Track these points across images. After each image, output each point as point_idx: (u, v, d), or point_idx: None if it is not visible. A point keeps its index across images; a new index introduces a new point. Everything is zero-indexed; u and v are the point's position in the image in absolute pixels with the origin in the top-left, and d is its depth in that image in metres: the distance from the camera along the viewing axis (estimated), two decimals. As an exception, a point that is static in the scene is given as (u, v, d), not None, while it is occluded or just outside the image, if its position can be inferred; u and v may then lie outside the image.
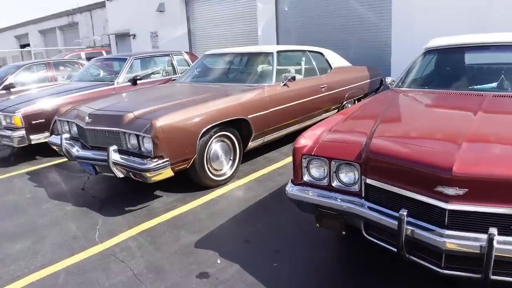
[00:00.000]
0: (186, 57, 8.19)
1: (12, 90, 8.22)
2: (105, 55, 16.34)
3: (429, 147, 2.31)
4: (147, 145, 3.76)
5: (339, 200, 2.53)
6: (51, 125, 6.05)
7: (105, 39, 22.48)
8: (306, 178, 2.72)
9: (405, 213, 2.17)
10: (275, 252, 3.11)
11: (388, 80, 4.36)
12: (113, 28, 15.56)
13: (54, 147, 4.97)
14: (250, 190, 4.42)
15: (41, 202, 4.44)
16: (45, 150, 6.49)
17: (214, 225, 3.63)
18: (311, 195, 2.64)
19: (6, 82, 8.32)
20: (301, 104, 5.61)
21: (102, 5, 22.81)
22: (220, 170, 4.54)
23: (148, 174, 3.65)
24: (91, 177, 5.14)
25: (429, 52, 4.27)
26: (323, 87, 6.13)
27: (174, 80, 7.55)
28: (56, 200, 4.47)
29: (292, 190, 2.78)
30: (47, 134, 6.04)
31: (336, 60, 6.93)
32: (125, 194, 4.51)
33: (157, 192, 4.47)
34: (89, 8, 24.30)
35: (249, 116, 4.65)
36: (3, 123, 5.96)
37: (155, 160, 3.70)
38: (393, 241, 2.31)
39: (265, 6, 10.57)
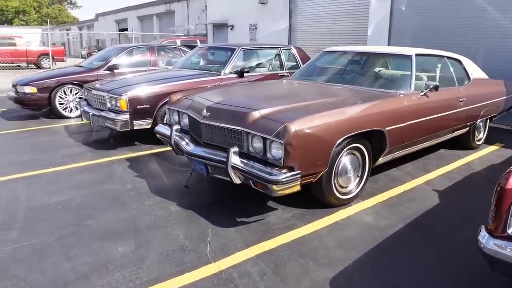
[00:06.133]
0: (295, 52, 7.57)
1: (115, 71, 8.15)
2: (199, 44, 16.33)
3: None
4: (276, 151, 3.17)
5: None
6: (155, 112, 5.73)
7: (199, 28, 22.69)
8: (513, 231, 1.95)
9: None
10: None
11: None
12: (211, 18, 15.40)
13: (160, 137, 4.58)
14: (381, 216, 3.69)
15: (143, 197, 4.04)
16: (144, 136, 6.23)
17: (348, 258, 2.95)
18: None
19: (110, 63, 8.26)
20: (438, 118, 4.76)
21: (199, -5, 23.09)
22: (346, 187, 3.85)
23: (275, 187, 3.05)
24: (194, 173, 4.70)
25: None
26: (462, 100, 5.20)
27: (283, 75, 6.98)
28: (159, 196, 4.05)
29: (489, 243, 2.03)
30: (150, 120, 5.73)
31: (474, 70, 5.94)
32: (234, 199, 3.98)
33: (271, 203, 3.88)
34: (186, -2, 24.72)
35: (387, 128, 3.91)
36: (108, 105, 5.73)
37: (285, 171, 3.09)
38: None
39: (380, 3, 9.66)
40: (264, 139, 3.23)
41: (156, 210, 3.70)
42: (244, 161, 3.31)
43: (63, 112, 8.05)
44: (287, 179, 3.05)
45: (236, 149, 3.33)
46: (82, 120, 6.46)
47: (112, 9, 34.70)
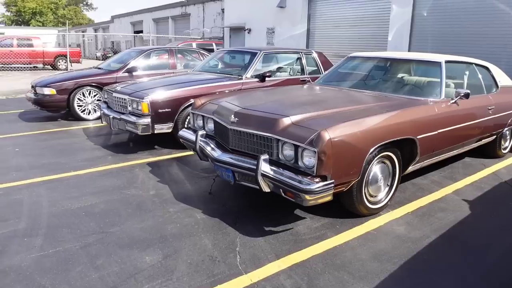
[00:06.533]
0: (316, 56, 7.47)
1: (134, 74, 8.13)
2: (215, 47, 16.31)
3: None
4: (309, 159, 3.08)
5: None
6: (176, 115, 5.67)
7: (215, 31, 22.71)
8: None
9: None
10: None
11: None
12: (228, 21, 15.38)
13: (184, 142, 4.51)
14: (412, 227, 3.57)
15: (167, 203, 3.97)
16: (163, 140, 6.18)
17: (383, 271, 2.84)
18: None
19: (129, 66, 8.24)
20: (468, 127, 4.63)
21: (215, -1, 23.13)
22: (376, 196, 3.75)
23: (307, 197, 2.96)
24: (217, 179, 4.63)
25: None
26: (491, 108, 5.07)
27: (304, 80, 6.90)
28: (183, 203, 3.98)
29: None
30: (171, 124, 5.67)
31: (502, 77, 5.79)
32: (260, 207, 3.90)
33: (298, 212, 3.79)
34: (202, 1, 24.79)
35: (418, 137, 3.80)
36: (129, 108, 5.69)
37: (317, 180, 3.00)
38: None
39: (401, 9, 9.54)
40: (296, 147, 3.14)
41: (181, 218, 3.63)
42: (275, 169, 3.22)
43: (82, 114, 8.05)
44: (320, 188, 2.95)
45: (266, 156, 3.25)
46: (102, 122, 6.42)
47: (127, 11, 34.95)
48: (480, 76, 5.28)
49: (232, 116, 3.63)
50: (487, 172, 5.27)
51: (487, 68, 5.51)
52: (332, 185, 3.02)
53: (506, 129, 5.75)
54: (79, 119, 8.01)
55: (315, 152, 2.97)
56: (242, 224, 3.52)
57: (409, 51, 9.64)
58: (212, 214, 3.72)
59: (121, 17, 36.59)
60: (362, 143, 3.22)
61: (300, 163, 3.14)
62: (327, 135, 2.97)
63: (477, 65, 5.34)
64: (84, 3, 62.05)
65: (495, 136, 5.57)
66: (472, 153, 5.68)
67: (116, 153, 5.74)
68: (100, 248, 3.09)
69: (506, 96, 5.53)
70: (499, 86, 5.55)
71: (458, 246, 3.28)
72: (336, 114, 3.46)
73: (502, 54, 8.07)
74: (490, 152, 5.84)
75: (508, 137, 6.10)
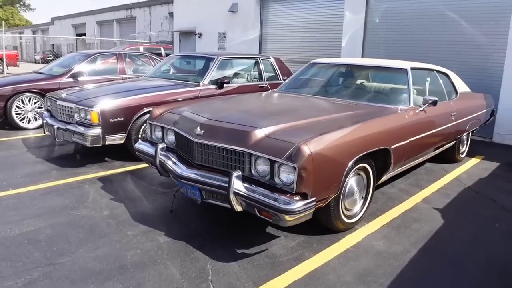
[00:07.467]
0: (273, 62, 7.26)
1: (79, 79, 7.55)
2: (163, 51, 15.75)
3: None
4: (287, 175, 2.81)
5: None
6: (129, 125, 5.23)
7: (162, 35, 22.08)
8: None
9: None
10: None
11: None
12: (178, 25, 14.88)
13: (141, 156, 4.11)
14: (391, 241, 3.41)
15: (124, 225, 3.55)
16: (114, 151, 5.71)
17: (371, 297, 2.63)
18: None
19: (74, 70, 7.65)
20: (435, 133, 4.59)
21: (162, 2, 22.51)
22: (351, 210, 3.55)
23: (287, 217, 2.68)
24: (177, 194, 4.26)
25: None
26: (453, 115, 5.07)
27: (262, 87, 6.66)
28: (142, 224, 3.58)
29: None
30: (123, 135, 5.22)
31: (460, 84, 5.86)
32: (228, 226, 3.58)
33: (270, 230, 3.51)
34: (148, 4, 24.09)
35: (392, 146, 3.65)
36: (76, 117, 5.17)
37: (297, 198, 2.74)
38: None
39: (354, 16, 9.56)
40: (272, 162, 2.86)
41: (142, 242, 3.24)
42: (248, 186, 2.92)
43: (21, 123, 7.36)
44: (301, 208, 2.69)
45: (239, 173, 2.94)
46: (44, 133, 5.82)
47: (69, 13, 33.31)
48: (441, 82, 5.28)
49: (198, 128, 3.29)
50: (449, 177, 5.28)
51: (447, 75, 5.54)
52: (314, 203, 2.77)
53: (464, 135, 5.81)
54: (18, 128, 7.32)
55: (294, 168, 2.70)
56: (211, 247, 3.19)
57: (362, 57, 9.69)
58: (177, 236, 3.36)
59: (61, 19, 34.80)
60: (341, 156, 3.01)
61: (276, 179, 2.87)
62: (307, 149, 2.72)
63: (438, 72, 5.34)
64: (21, 3, 58.60)
65: (454, 141, 5.60)
66: (431, 159, 5.70)
67: (61, 167, 5.20)
68: (48, 285, 2.64)
69: (464, 102, 5.58)
70: (458, 92, 5.58)
71: (440, 259, 3.15)
72: (310, 125, 3.22)
73: (453, 61, 8.25)
74: (449, 157, 5.90)
75: (465, 141, 6.19)
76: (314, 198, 2.78)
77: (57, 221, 3.59)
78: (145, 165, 5.09)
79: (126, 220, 3.66)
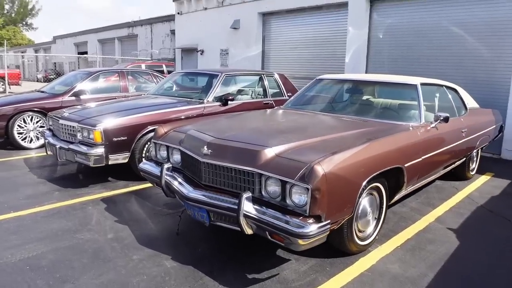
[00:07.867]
0: (277, 78, 7.20)
1: (82, 98, 7.48)
2: (165, 68, 15.76)
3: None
4: (299, 197, 2.69)
5: None
6: (133, 144, 5.12)
7: (163, 52, 22.16)
8: None
9: None
10: None
11: None
12: (180, 42, 14.91)
13: (146, 176, 3.99)
14: (406, 264, 3.27)
15: (129, 249, 3.42)
16: (117, 170, 5.59)
17: (390, 326, 2.48)
18: None
19: (76, 89, 7.59)
20: (447, 151, 4.48)
21: (163, 20, 22.66)
22: (364, 231, 3.42)
23: (301, 241, 2.56)
24: (183, 215, 4.13)
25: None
26: (464, 131, 4.96)
27: (267, 103, 6.58)
28: (148, 247, 3.45)
29: None
30: (127, 154, 5.11)
31: (469, 100, 5.77)
32: (236, 248, 3.44)
33: (280, 253, 3.37)
34: (150, 22, 24.26)
35: (406, 165, 3.54)
36: (79, 136, 5.08)
37: (311, 220, 2.61)
38: None
39: (357, 31, 9.53)
40: (284, 183, 2.74)
41: (148, 268, 3.10)
42: (258, 208, 2.80)
43: (22, 143, 7.26)
44: (316, 231, 2.56)
45: (249, 194, 2.83)
46: (46, 152, 5.71)
47: (71, 32, 33.58)
48: (451, 98, 5.19)
49: (205, 147, 3.19)
50: (461, 195, 5.15)
51: (456, 91, 5.45)
52: (328, 225, 2.65)
53: (474, 151, 5.70)
54: (20, 148, 7.22)
55: (307, 189, 2.59)
56: (220, 272, 3.05)
57: (366, 72, 9.64)
58: (184, 260, 3.22)
59: (64, 38, 35.06)
60: (355, 176, 2.89)
61: (288, 201, 2.75)
62: (321, 169, 2.60)
63: (447, 87, 5.25)
64: (24, 23, 59.13)
65: (465, 158, 5.49)
66: (441, 176, 5.57)
67: (64, 187, 5.08)
68: (50, 315, 2.51)
69: (474, 118, 5.48)
70: (468, 108, 5.49)
71: (458, 283, 3.01)
72: (321, 144, 3.12)
73: (458, 76, 8.18)
74: (460, 174, 5.77)
75: (475, 158, 6.07)
76: (328, 221, 2.65)
77: (59, 246, 3.46)
78: (149, 184, 4.98)
79: (131, 243, 3.53)
